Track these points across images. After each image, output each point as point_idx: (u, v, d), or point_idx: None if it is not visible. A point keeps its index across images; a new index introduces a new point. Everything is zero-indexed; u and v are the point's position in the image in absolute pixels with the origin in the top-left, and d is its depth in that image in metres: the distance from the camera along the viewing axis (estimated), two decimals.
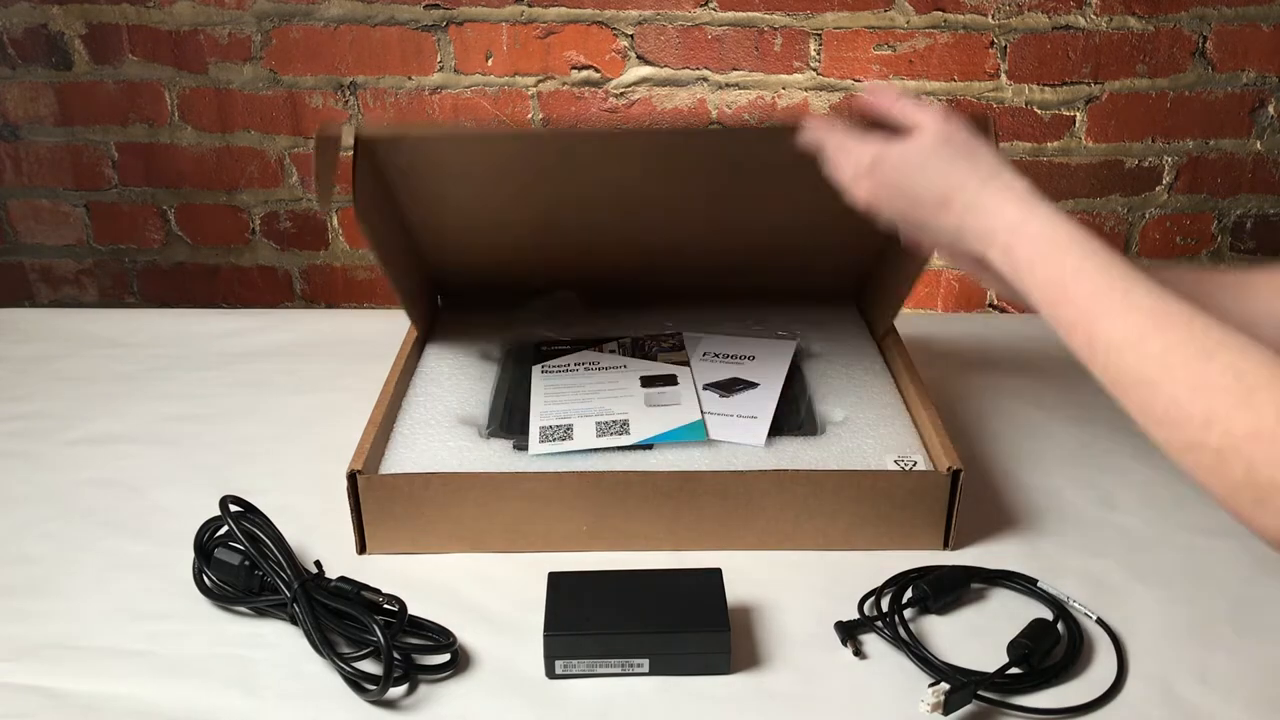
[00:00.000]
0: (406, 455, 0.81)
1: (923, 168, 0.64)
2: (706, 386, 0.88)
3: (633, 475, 0.77)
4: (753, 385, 0.88)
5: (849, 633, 0.70)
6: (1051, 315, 0.58)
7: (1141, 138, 1.60)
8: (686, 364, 0.90)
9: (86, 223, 1.72)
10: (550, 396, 0.86)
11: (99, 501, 0.86)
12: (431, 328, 1.01)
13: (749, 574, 0.76)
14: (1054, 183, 1.63)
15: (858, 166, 0.67)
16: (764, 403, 0.86)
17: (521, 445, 0.82)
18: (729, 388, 0.88)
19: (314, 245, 1.72)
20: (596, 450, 0.80)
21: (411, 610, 0.69)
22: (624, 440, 0.80)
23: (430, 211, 0.90)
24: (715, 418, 0.84)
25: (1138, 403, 0.52)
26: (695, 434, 0.81)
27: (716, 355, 0.93)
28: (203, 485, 0.86)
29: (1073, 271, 0.57)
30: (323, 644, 0.67)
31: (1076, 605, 0.73)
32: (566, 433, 0.81)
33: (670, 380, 0.88)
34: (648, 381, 0.88)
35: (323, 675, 0.68)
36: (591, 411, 0.84)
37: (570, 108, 1.60)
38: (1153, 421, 0.52)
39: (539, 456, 0.80)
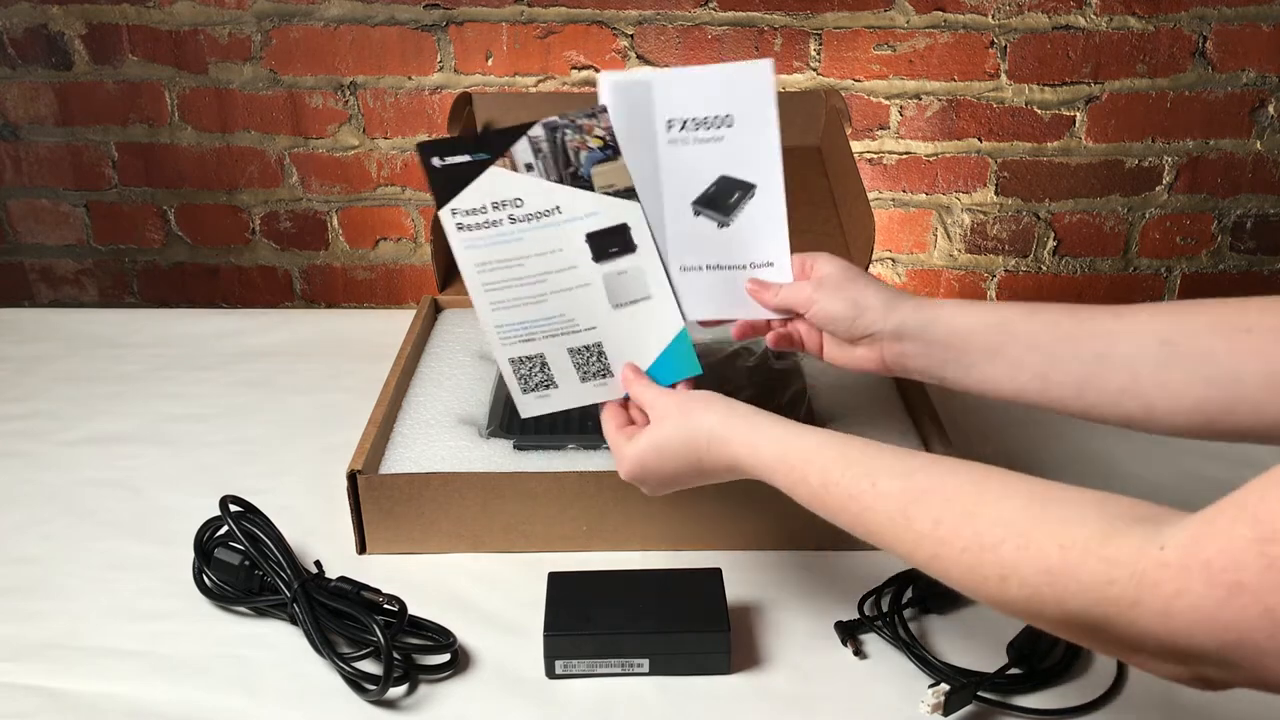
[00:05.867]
0: (406, 455, 0.81)
1: (660, 460, 0.65)
2: (698, 209, 0.72)
3: None
4: (749, 189, 0.71)
5: (849, 633, 0.70)
6: (840, 525, 0.57)
7: (1141, 138, 1.60)
8: (631, 193, 0.69)
9: (86, 223, 1.72)
10: (493, 287, 0.71)
11: (99, 501, 0.86)
12: (431, 328, 1.01)
13: (749, 574, 0.76)
14: (1054, 183, 1.63)
15: (628, 473, 0.68)
16: (770, 217, 0.71)
17: (523, 445, 0.82)
18: (721, 203, 0.71)
19: (314, 245, 1.72)
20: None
21: (411, 610, 0.69)
22: (607, 384, 0.73)
23: None
24: (723, 276, 0.72)
25: (941, 574, 0.51)
26: (687, 367, 0.72)
27: (679, 125, 0.71)
28: (203, 485, 0.86)
29: (820, 487, 0.57)
30: (323, 644, 0.67)
31: None
32: (545, 373, 0.73)
33: (624, 241, 0.70)
34: (599, 248, 0.70)
35: (323, 675, 0.68)
36: (555, 323, 0.71)
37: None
38: (960, 587, 0.50)
39: (533, 453, 0.80)
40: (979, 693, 0.65)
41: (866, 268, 1.03)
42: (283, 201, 1.69)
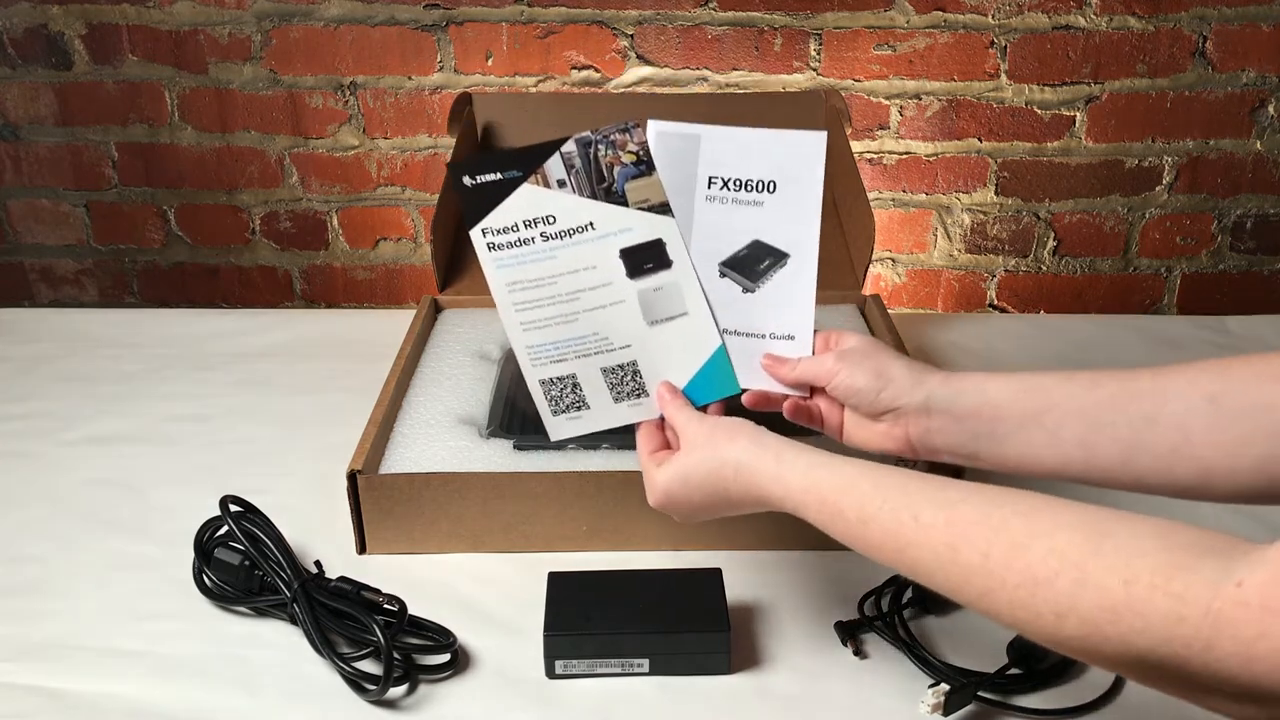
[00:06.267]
0: (406, 455, 0.81)
1: (686, 490, 0.63)
2: (724, 270, 0.70)
3: (633, 475, 0.77)
4: (782, 258, 0.70)
5: (849, 633, 0.70)
6: (878, 561, 0.55)
7: (1141, 138, 1.60)
8: (666, 209, 0.69)
9: (86, 223, 1.72)
10: (524, 307, 0.70)
11: (99, 501, 0.86)
12: (431, 328, 1.01)
13: (749, 574, 0.76)
14: (1054, 183, 1.63)
15: (656, 502, 0.66)
16: (799, 291, 0.70)
17: (523, 445, 0.81)
18: (750, 268, 0.70)
19: (314, 245, 1.72)
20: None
21: (411, 610, 0.69)
22: (643, 404, 0.71)
23: None
24: (739, 343, 0.70)
25: (993, 612, 0.48)
26: (725, 385, 0.70)
27: (720, 183, 0.70)
28: (203, 485, 0.86)
29: (858, 522, 0.55)
30: (323, 644, 0.67)
31: None
32: (576, 394, 0.71)
33: (659, 257, 0.69)
34: (634, 264, 0.69)
35: (323, 675, 0.68)
36: (587, 342, 0.70)
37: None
38: (1013, 624, 0.47)
39: (533, 453, 0.80)
40: (979, 693, 0.65)
41: (866, 268, 1.04)
42: (283, 201, 1.69)
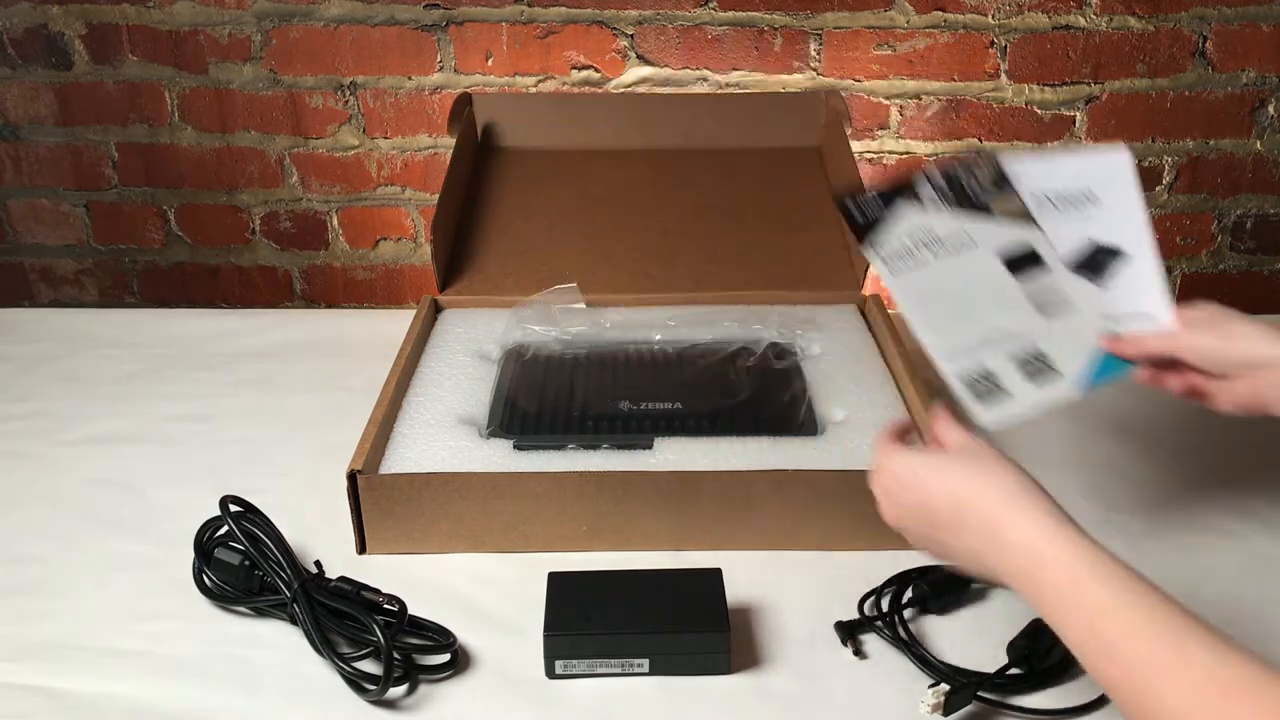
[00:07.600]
0: (406, 455, 0.81)
1: (931, 479, 0.61)
2: (1074, 271, 0.76)
3: (633, 475, 0.77)
4: (1121, 255, 0.76)
5: (849, 633, 0.70)
6: (1092, 669, 0.50)
7: (1141, 138, 1.60)
8: (1029, 217, 0.75)
9: (86, 223, 1.72)
10: (929, 313, 0.75)
11: (99, 501, 0.86)
12: (431, 328, 1.01)
13: (749, 574, 0.76)
14: None
15: (878, 483, 0.64)
16: (1145, 278, 0.75)
17: (523, 445, 0.82)
18: (1094, 263, 0.76)
19: (314, 245, 1.72)
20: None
21: (411, 610, 0.69)
22: (1057, 384, 0.74)
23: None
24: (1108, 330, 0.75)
25: None
26: (1115, 365, 0.74)
27: (1047, 201, 0.77)
28: (203, 485, 0.86)
29: (1103, 613, 0.50)
30: (323, 644, 0.67)
31: None
32: (992, 383, 0.75)
33: (1034, 259, 0.75)
34: (1012, 258, 0.75)
35: (323, 675, 0.68)
36: (991, 337, 0.75)
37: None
38: None
39: (533, 453, 0.80)
40: (979, 693, 0.65)
41: (866, 269, 1.04)
42: (283, 201, 1.68)
